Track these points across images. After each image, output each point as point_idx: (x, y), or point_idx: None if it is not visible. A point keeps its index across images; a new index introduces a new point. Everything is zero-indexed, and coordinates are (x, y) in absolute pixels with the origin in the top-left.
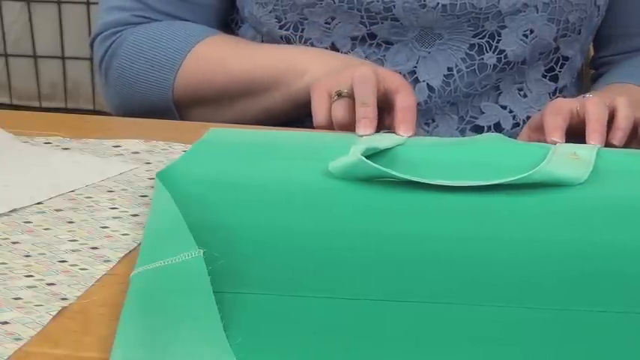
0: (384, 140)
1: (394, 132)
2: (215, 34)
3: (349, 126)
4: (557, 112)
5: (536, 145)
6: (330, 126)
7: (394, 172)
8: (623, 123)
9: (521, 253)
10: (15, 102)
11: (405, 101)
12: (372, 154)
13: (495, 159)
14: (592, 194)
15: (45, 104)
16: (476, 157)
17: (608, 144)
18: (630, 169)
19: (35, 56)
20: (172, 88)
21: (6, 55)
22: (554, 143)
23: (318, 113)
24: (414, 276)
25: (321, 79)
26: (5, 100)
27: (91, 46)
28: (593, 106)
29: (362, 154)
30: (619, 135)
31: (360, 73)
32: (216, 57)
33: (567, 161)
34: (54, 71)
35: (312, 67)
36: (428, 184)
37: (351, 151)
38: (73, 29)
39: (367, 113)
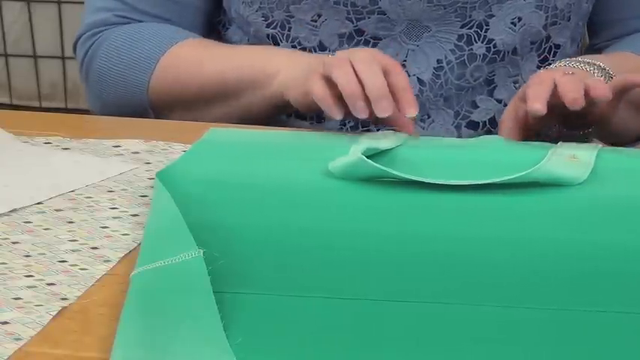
0: (384, 140)
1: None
2: (193, 37)
3: (356, 89)
4: (540, 82)
5: (536, 145)
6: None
7: (394, 172)
8: (596, 89)
9: (521, 253)
10: (15, 102)
11: (400, 82)
12: (372, 154)
13: (495, 158)
14: (592, 194)
15: (45, 104)
16: (476, 156)
17: (590, 100)
18: (630, 169)
19: (35, 56)
20: (147, 90)
21: (6, 55)
22: (537, 112)
23: (317, 88)
24: (414, 276)
25: (293, 81)
26: (5, 100)
27: (74, 47)
28: (569, 83)
29: (362, 154)
30: (597, 92)
31: (362, 57)
32: (191, 59)
33: (567, 163)
34: (54, 71)
35: (282, 68)
36: (428, 183)
37: (351, 150)
38: (73, 29)
39: (383, 95)
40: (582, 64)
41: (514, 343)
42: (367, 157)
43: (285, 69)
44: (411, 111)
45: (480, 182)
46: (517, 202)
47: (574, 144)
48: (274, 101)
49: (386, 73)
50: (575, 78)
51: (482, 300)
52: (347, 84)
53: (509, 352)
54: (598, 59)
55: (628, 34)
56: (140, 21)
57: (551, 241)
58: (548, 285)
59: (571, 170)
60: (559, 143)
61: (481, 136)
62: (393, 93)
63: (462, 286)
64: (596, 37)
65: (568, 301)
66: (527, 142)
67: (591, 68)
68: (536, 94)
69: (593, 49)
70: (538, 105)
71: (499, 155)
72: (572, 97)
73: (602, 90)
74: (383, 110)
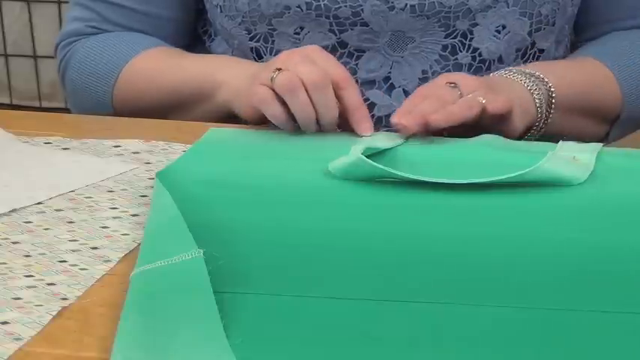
0: (383, 140)
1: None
2: (153, 46)
3: (299, 89)
4: (421, 95)
5: (536, 146)
6: (275, 97)
7: (394, 172)
8: (444, 114)
9: (520, 252)
10: (15, 102)
11: (352, 98)
12: (372, 154)
13: (495, 158)
14: (592, 194)
15: (45, 104)
16: (476, 156)
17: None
18: (630, 169)
19: (35, 56)
20: (112, 102)
21: (6, 55)
22: (397, 126)
23: (259, 92)
24: (414, 276)
25: (237, 93)
26: (5, 100)
27: (55, 55)
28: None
29: (362, 154)
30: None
31: (313, 79)
32: (147, 72)
33: (567, 164)
34: (54, 71)
35: (227, 79)
36: (428, 183)
37: (351, 150)
38: None
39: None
40: (521, 75)
41: (514, 343)
42: (367, 156)
43: (230, 80)
44: (365, 130)
45: (479, 181)
46: (517, 202)
47: (575, 145)
48: (223, 112)
49: (338, 89)
50: (434, 101)
51: (482, 300)
52: (301, 112)
53: (509, 352)
54: (543, 70)
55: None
56: (110, 32)
57: (551, 241)
58: (548, 285)
59: (571, 170)
60: (560, 143)
61: (481, 136)
62: (346, 111)
63: (461, 286)
64: (581, 35)
65: (568, 301)
66: (528, 142)
67: (527, 80)
68: (405, 109)
69: (578, 46)
70: (397, 119)
71: (499, 155)
72: (396, 122)
73: (433, 121)
74: (333, 130)
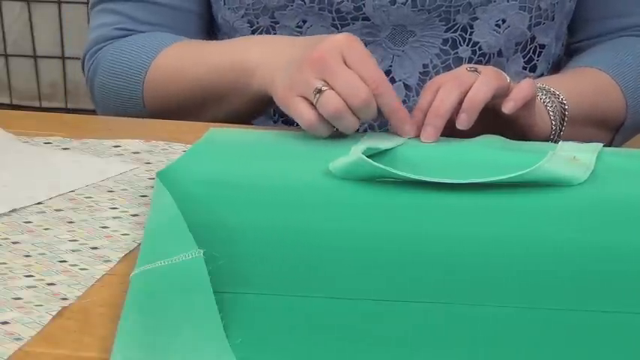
0: (384, 140)
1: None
2: (178, 41)
3: (345, 113)
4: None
5: (537, 145)
6: (320, 119)
7: (395, 171)
8: (466, 104)
9: (520, 252)
10: (15, 102)
11: (392, 102)
12: (373, 154)
13: (495, 158)
14: (592, 194)
15: (45, 104)
16: (476, 156)
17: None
18: (630, 170)
19: (35, 56)
20: (143, 101)
21: (6, 55)
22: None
23: (304, 114)
24: (415, 276)
25: (278, 86)
26: (5, 100)
27: (82, 65)
28: (439, 94)
29: (362, 154)
30: (462, 117)
31: (349, 86)
32: (173, 68)
33: (567, 164)
34: (54, 71)
35: (260, 63)
36: (429, 183)
37: (351, 150)
38: (73, 29)
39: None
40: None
41: (514, 343)
42: (368, 156)
43: (264, 63)
44: (408, 132)
45: (480, 181)
46: (517, 202)
47: (575, 145)
48: (258, 99)
49: (375, 94)
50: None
51: (482, 300)
52: (348, 130)
53: (509, 352)
54: (554, 83)
55: (606, 33)
56: (139, 30)
57: (551, 241)
58: (548, 285)
59: (571, 170)
60: (560, 143)
61: (481, 136)
62: (385, 114)
63: (462, 286)
64: (574, 36)
65: (568, 301)
66: (528, 142)
67: (540, 94)
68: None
69: (572, 47)
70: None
71: (499, 155)
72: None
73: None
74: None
